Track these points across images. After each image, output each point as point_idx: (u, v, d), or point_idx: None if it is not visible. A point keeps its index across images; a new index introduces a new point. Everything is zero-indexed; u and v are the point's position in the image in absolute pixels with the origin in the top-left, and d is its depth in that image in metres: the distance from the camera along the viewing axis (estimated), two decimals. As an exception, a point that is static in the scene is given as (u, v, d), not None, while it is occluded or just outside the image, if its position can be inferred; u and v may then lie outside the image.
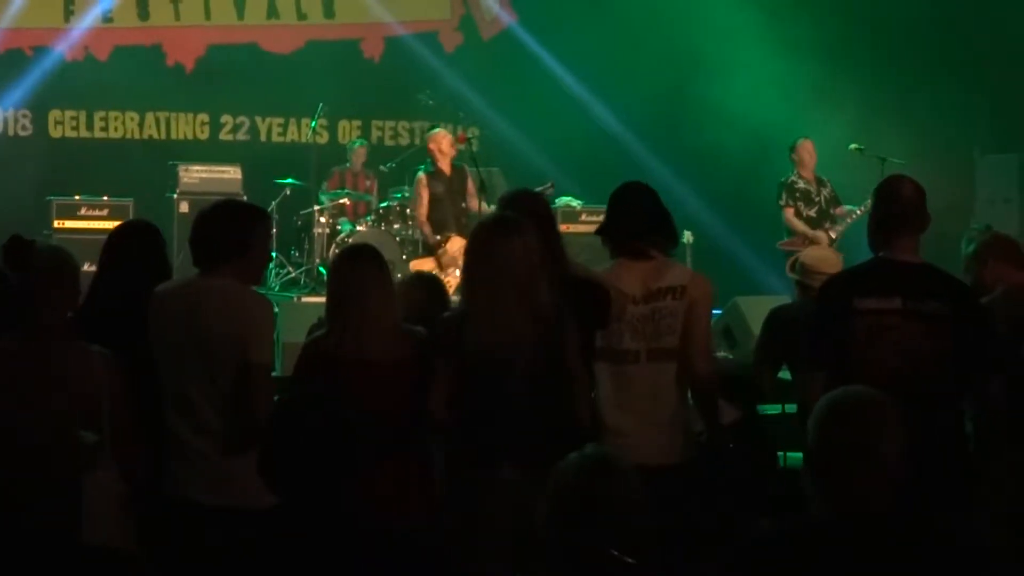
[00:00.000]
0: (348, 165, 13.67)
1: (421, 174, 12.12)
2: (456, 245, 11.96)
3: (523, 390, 4.83)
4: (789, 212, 12.23)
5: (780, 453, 7.31)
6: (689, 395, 5.48)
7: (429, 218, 12.03)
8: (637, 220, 5.45)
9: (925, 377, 4.83)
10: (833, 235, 11.91)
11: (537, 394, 4.85)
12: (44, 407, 4.31)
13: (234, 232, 4.95)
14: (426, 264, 12.01)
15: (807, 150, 12.26)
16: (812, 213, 12.22)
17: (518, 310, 4.84)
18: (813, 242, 11.90)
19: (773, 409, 7.88)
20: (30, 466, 3.08)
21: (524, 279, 4.86)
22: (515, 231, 4.92)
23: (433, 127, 12.59)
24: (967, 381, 4.95)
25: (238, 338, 4.78)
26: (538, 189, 11.39)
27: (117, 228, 5.64)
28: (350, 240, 12.24)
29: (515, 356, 4.83)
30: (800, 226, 12.17)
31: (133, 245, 5.39)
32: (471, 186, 11.89)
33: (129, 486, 4.48)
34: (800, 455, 5.17)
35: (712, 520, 5.28)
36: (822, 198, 12.25)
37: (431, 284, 6.01)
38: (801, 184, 12.25)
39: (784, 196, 12.25)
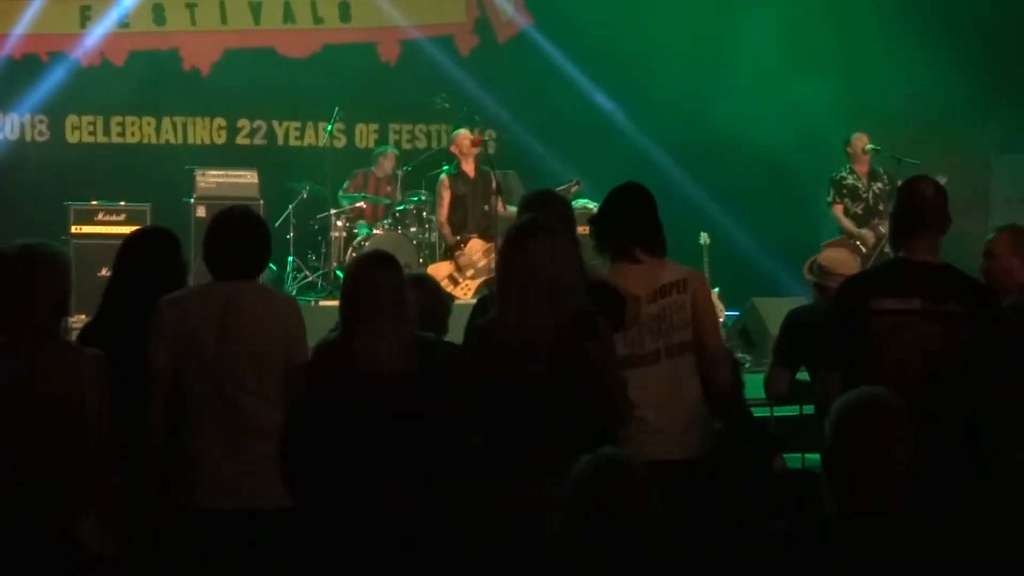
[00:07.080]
0: (372, 169, 13.64)
1: (443, 176, 12.14)
2: (475, 247, 11.97)
3: (551, 397, 4.71)
4: (838, 209, 12.06)
5: (798, 455, 7.30)
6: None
7: (449, 220, 12.07)
8: (641, 225, 5.47)
9: (942, 378, 4.84)
10: (884, 230, 11.44)
11: (563, 402, 4.73)
12: (31, 410, 4.31)
13: (268, 238, 5.09)
14: (444, 268, 12.00)
15: (861, 143, 12.10)
16: (858, 210, 12.06)
17: (550, 315, 4.72)
18: (860, 241, 11.79)
19: (791, 411, 7.88)
20: (26, 470, 3.05)
21: (556, 283, 4.76)
22: (548, 233, 4.83)
23: (457, 127, 12.58)
24: (984, 382, 4.94)
25: (283, 340, 4.87)
26: (562, 187, 11.46)
27: (132, 234, 5.62)
28: (367, 244, 12.23)
29: (540, 362, 4.71)
30: (847, 224, 11.98)
31: (148, 251, 5.37)
32: (495, 188, 11.91)
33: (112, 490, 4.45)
34: (817, 456, 5.16)
35: (729, 517, 5.28)
36: (870, 194, 12.07)
37: (425, 286, 5.89)
38: (850, 180, 12.08)
39: (832, 193, 12.09)
